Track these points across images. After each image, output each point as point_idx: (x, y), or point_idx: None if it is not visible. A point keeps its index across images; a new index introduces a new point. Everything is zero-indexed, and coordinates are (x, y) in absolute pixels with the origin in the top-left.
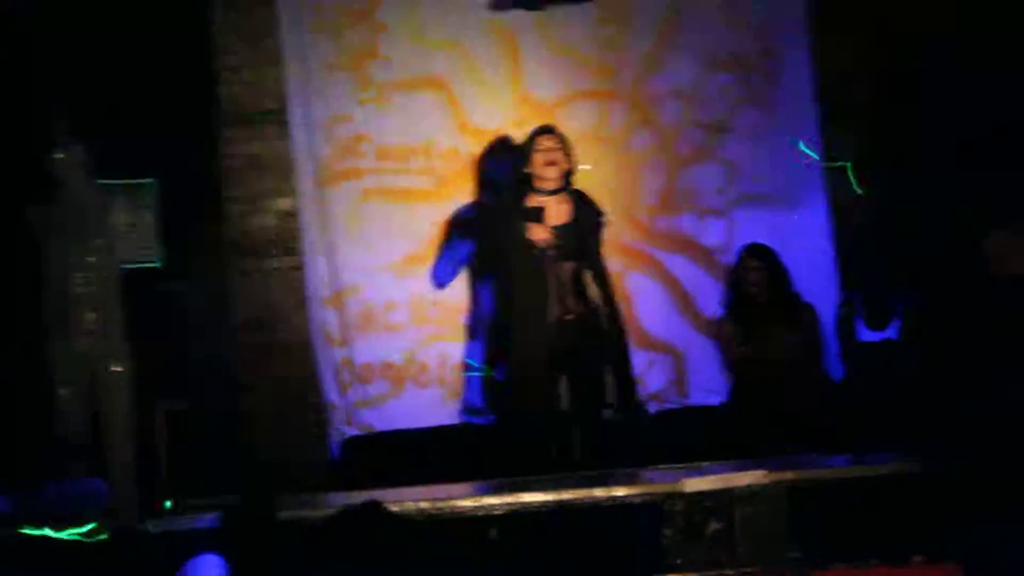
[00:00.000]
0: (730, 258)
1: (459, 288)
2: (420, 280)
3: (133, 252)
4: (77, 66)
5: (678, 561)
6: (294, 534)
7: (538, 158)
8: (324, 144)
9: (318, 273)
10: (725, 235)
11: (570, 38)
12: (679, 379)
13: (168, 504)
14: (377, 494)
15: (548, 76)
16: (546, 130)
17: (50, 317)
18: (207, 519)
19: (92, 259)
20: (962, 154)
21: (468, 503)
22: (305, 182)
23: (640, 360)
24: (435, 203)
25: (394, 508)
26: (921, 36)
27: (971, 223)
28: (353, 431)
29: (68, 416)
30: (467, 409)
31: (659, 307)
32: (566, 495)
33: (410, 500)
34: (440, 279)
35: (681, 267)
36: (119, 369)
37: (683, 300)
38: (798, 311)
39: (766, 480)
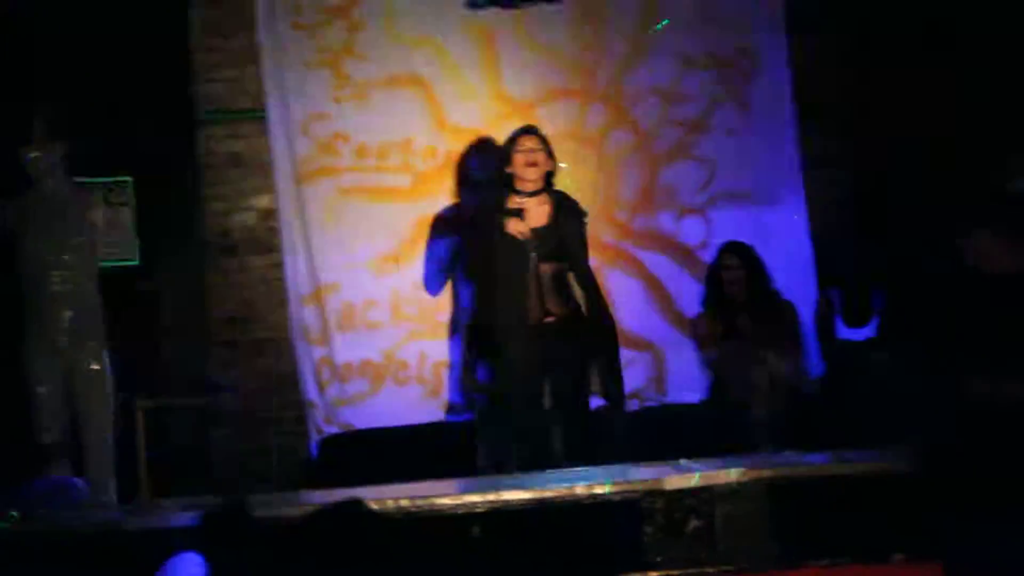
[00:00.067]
0: (709, 256)
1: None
2: (399, 278)
3: (111, 250)
4: (54, 63)
5: (658, 559)
6: (273, 532)
7: (519, 158)
8: (302, 142)
9: (297, 271)
10: (704, 233)
11: (548, 36)
12: (658, 377)
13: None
14: (357, 492)
15: (526, 74)
16: (528, 130)
17: (27, 315)
18: (186, 517)
19: (69, 257)
20: (939, 152)
21: (448, 501)
22: (283, 180)
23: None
24: (413, 201)
25: (374, 506)
26: (899, 34)
27: (950, 222)
28: (333, 429)
29: (46, 414)
30: (448, 407)
31: (638, 305)
32: (547, 492)
33: (390, 498)
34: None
35: (660, 265)
36: (97, 367)
37: (662, 298)
38: (777, 309)
39: (746, 478)
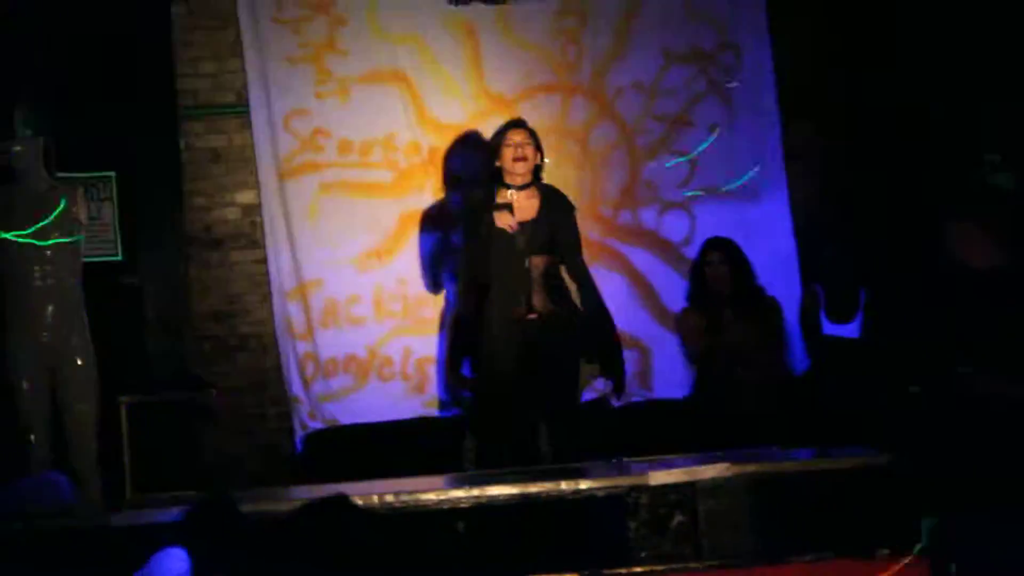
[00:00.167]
0: (693, 252)
1: (421, 281)
2: (382, 274)
3: (94, 246)
4: (36, 59)
5: (642, 554)
6: (258, 528)
7: (507, 152)
8: (284, 138)
9: (280, 266)
10: (687, 229)
11: (530, 32)
12: (643, 372)
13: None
14: (341, 488)
15: (508, 70)
16: (516, 124)
17: (10, 311)
18: (171, 513)
19: (52, 253)
20: (925, 147)
21: (433, 496)
22: (266, 175)
23: None
24: (396, 197)
25: (359, 502)
26: (883, 28)
27: (934, 215)
28: (317, 425)
29: (29, 410)
30: (432, 403)
31: (623, 301)
32: (531, 488)
33: (375, 493)
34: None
35: (644, 261)
36: (80, 362)
37: (647, 294)
38: (761, 304)
39: (730, 473)
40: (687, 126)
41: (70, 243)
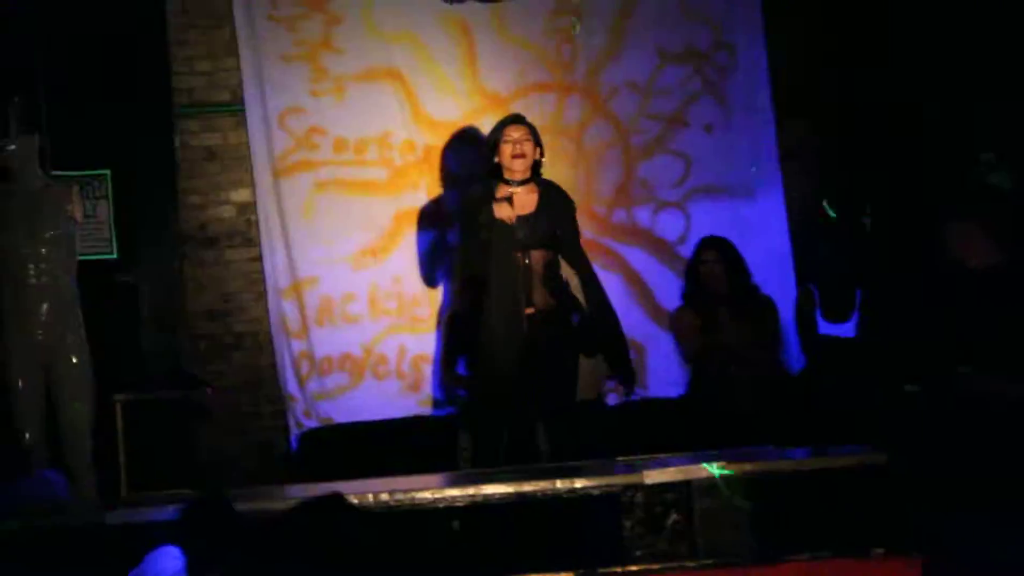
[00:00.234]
0: (688, 250)
1: (417, 280)
2: (377, 272)
3: (89, 243)
4: (31, 56)
5: (638, 553)
6: (253, 526)
7: (506, 149)
8: (279, 136)
9: (275, 265)
10: (682, 227)
11: (525, 30)
12: (639, 371)
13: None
14: (336, 486)
15: (503, 68)
16: (515, 119)
17: (5, 309)
18: (166, 511)
19: (47, 251)
20: (920, 146)
21: (428, 495)
22: (261, 174)
23: None
24: (391, 195)
25: (354, 500)
26: (878, 27)
27: (929, 214)
28: (312, 423)
29: (24, 409)
30: (427, 401)
31: (618, 300)
32: (527, 487)
33: (370, 492)
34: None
35: (639, 260)
36: (75, 360)
37: (642, 292)
38: (756, 304)
39: (725, 471)
40: (682, 125)
41: (65, 241)
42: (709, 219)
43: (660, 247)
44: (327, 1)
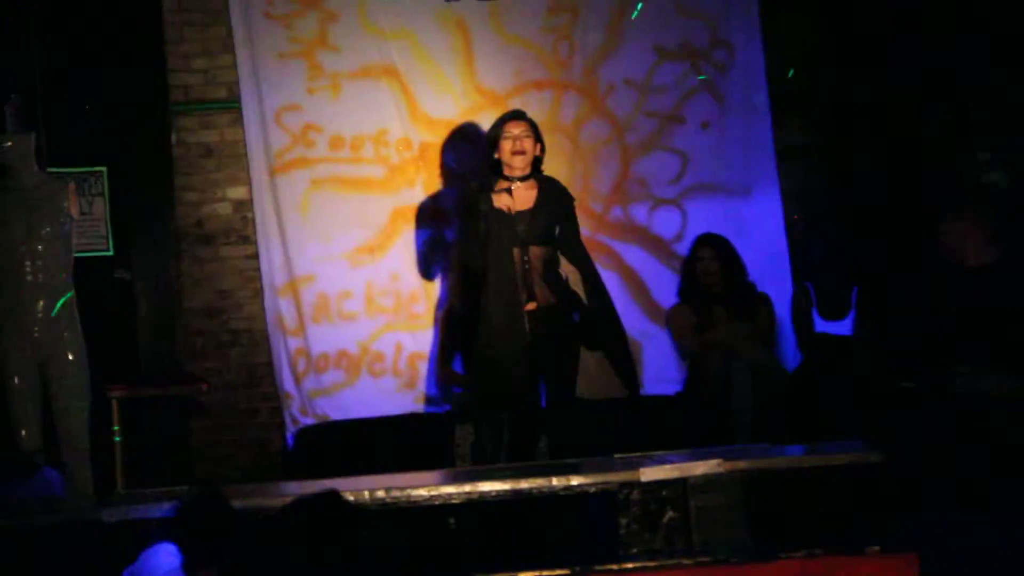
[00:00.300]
0: (684, 248)
1: (413, 277)
2: (374, 269)
3: (85, 240)
4: (27, 54)
5: (634, 550)
6: (249, 524)
7: (506, 145)
8: (276, 133)
9: (272, 262)
10: (679, 225)
11: (522, 28)
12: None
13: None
14: (333, 483)
15: (500, 66)
16: (516, 115)
17: (1, 306)
18: (162, 508)
19: (43, 248)
20: (917, 144)
21: (424, 492)
22: (257, 171)
23: None
24: (388, 193)
25: (350, 497)
26: (875, 26)
27: (926, 213)
28: (308, 420)
29: (21, 406)
30: (424, 399)
31: (615, 297)
32: (523, 484)
33: (366, 489)
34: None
35: (636, 257)
36: (71, 358)
37: (638, 290)
38: (753, 301)
39: (721, 469)
40: (679, 123)
41: (61, 238)
42: (705, 217)
43: (656, 245)
44: None
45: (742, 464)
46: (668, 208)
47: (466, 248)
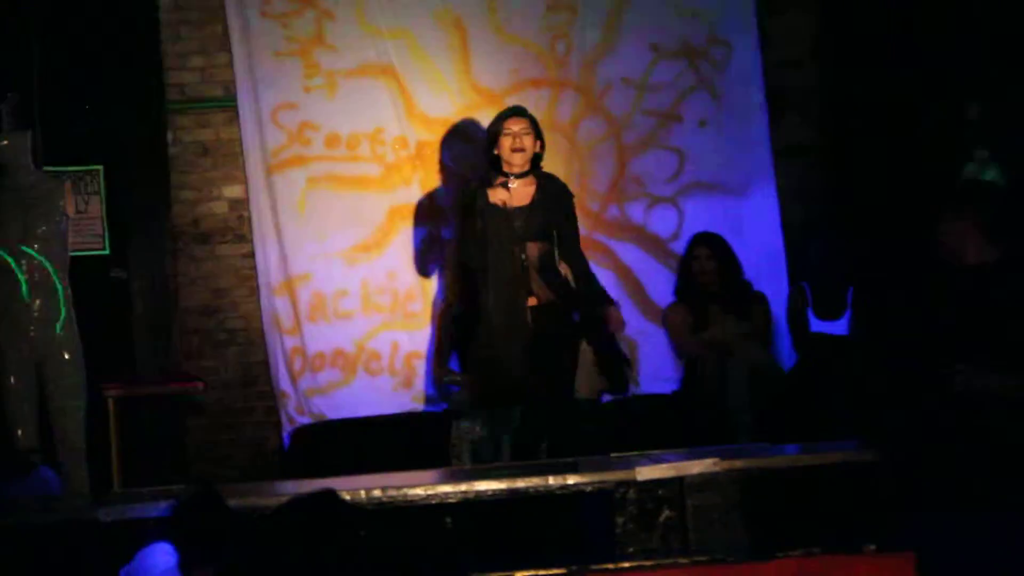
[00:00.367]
0: (681, 246)
1: (410, 276)
2: (370, 268)
3: (81, 239)
4: (24, 53)
5: (630, 549)
6: (245, 523)
7: (506, 142)
8: (272, 131)
9: (268, 260)
10: (675, 224)
11: (519, 26)
12: (631, 368)
13: None
14: (329, 483)
15: (497, 64)
16: (516, 112)
17: None
18: (158, 507)
19: (39, 246)
20: (914, 143)
21: (421, 491)
22: (254, 169)
23: None
24: (384, 191)
25: (346, 496)
26: (872, 25)
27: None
28: (305, 419)
29: (16, 405)
30: (420, 397)
31: (611, 296)
32: (519, 483)
33: (362, 488)
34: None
35: (632, 255)
36: (67, 357)
37: (635, 288)
38: (749, 300)
39: (717, 468)
40: (676, 121)
41: (57, 237)
42: (702, 215)
43: (653, 243)
44: None
45: (738, 463)
46: (665, 207)
47: (465, 246)
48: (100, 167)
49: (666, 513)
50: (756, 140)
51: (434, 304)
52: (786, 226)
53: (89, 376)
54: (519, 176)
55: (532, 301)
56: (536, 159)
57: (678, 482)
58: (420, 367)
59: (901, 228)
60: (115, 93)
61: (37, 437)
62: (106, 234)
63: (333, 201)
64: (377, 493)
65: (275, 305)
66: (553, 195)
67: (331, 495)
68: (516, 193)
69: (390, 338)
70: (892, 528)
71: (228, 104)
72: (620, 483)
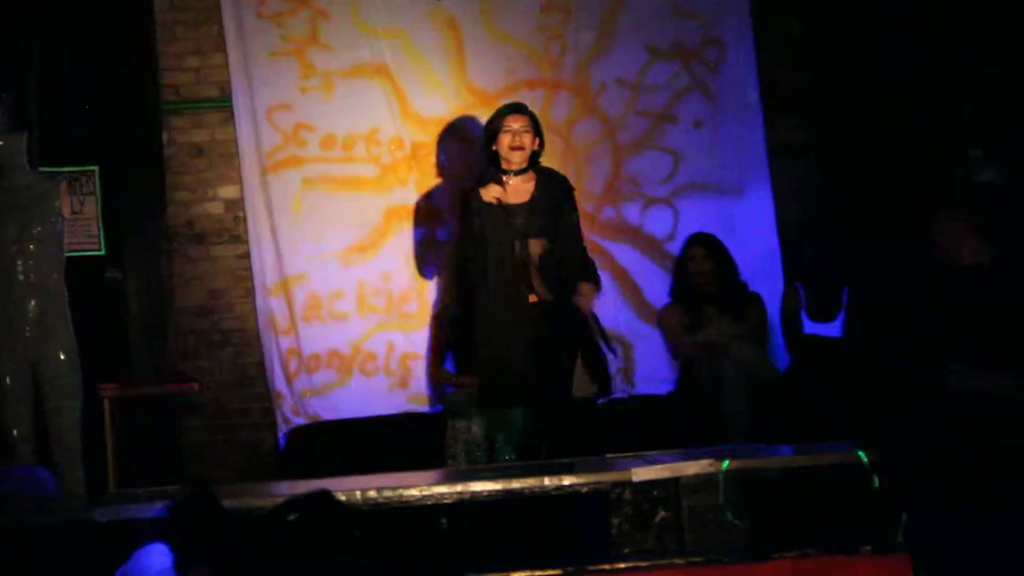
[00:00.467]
0: (676, 247)
1: (405, 277)
2: (366, 269)
3: (76, 240)
4: (19, 54)
5: (626, 550)
6: (241, 523)
7: (505, 139)
8: (267, 132)
9: (264, 261)
10: (671, 225)
11: (513, 26)
12: (627, 369)
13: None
14: (324, 483)
15: (491, 64)
16: (516, 109)
17: None
18: (154, 508)
19: (35, 247)
20: (909, 143)
21: (416, 492)
22: (249, 170)
23: None
24: (380, 192)
25: (342, 497)
26: (867, 25)
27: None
28: (300, 420)
29: (12, 405)
30: (416, 398)
31: (606, 296)
32: (515, 484)
33: (358, 489)
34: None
35: (628, 256)
36: (63, 357)
37: (630, 289)
38: (745, 301)
39: (713, 469)
40: (671, 122)
41: (53, 238)
42: (698, 216)
43: (649, 244)
44: None
45: (734, 464)
46: (660, 207)
47: (463, 246)
48: (95, 168)
49: (662, 514)
50: (751, 141)
51: (433, 305)
52: (781, 226)
53: (85, 377)
54: (517, 173)
55: (533, 298)
56: (535, 156)
57: (674, 483)
58: (415, 368)
59: (896, 228)
60: (111, 94)
61: (33, 438)
62: (102, 235)
63: (328, 202)
64: (373, 494)
65: (271, 306)
66: (553, 189)
67: (327, 496)
68: (516, 190)
69: (385, 339)
70: (888, 529)
71: (223, 105)
72: (616, 484)
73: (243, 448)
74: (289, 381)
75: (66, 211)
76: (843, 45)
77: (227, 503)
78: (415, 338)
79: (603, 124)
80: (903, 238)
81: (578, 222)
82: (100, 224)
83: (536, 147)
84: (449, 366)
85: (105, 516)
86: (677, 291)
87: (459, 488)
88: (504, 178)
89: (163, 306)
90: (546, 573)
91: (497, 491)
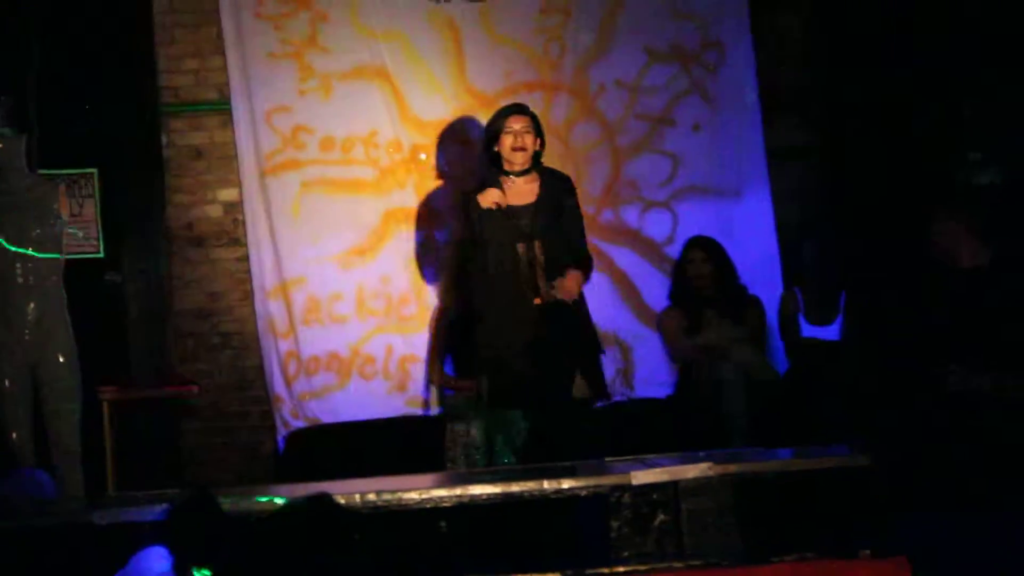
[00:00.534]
0: (675, 250)
1: (404, 279)
2: (365, 272)
3: (76, 243)
4: (19, 55)
5: (625, 553)
6: (240, 527)
7: (507, 140)
8: (266, 134)
9: (263, 264)
10: (670, 228)
11: (512, 29)
12: (626, 372)
13: None
14: (324, 486)
15: (490, 67)
16: (517, 109)
17: None
18: (153, 511)
19: (33, 250)
20: (908, 145)
21: (415, 495)
22: (248, 173)
23: None
24: (379, 195)
25: (340, 500)
26: (866, 26)
27: (917, 215)
28: (299, 423)
29: (11, 408)
30: (414, 401)
31: (605, 300)
32: (514, 487)
33: (357, 492)
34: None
35: (627, 259)
36: (62, 360)
37: (629, 293)
38: (744, 304)
39: (712, 473)
40: (669, 124)
41: (52, 240)
42: (697, 219)
43: (648, 247)
44: None
45: (733, 467)
46: (659, 210)
47: (463, 248)
48: (95, 170)
49: (661, 517)
50: (750, 143)
51: (433, 308)
52: (781, 227)
53: (84, 379)
54: (520, 174)
55: (538, 300)
56: (537, 156)
57: (673, 486)
58: (414, 371)
59: (896, 228)
60: (110, 96)
61: (32, 440)
62: (101, 237)
63: (327, 205)
64: (372, 497)
65: (269, 309)
66: (556, 189)
67: (325, 499)
68: (519, 191)
69: (384, 342)
70: (887, 532)
71: (222, 107)
72: (615, 487)
73: (242, 451)
74: (288, 384)
75: (65, 213)
76: (842, 45)
77: (226, 506)
78: (414, 341)
79: (602, 127)
80: (902, 238)
81: (580, 216)
82: (99, 227)
83: (538, 147)
84: (448, 369)
85: (104, 519)
86: (676, 294)
87: (458, 491)
88: (507, 180)
89: (162, 309)
90: None
91: (496, 494)
